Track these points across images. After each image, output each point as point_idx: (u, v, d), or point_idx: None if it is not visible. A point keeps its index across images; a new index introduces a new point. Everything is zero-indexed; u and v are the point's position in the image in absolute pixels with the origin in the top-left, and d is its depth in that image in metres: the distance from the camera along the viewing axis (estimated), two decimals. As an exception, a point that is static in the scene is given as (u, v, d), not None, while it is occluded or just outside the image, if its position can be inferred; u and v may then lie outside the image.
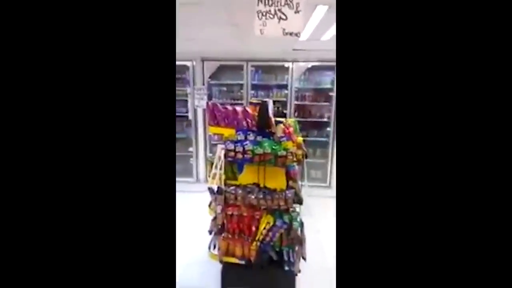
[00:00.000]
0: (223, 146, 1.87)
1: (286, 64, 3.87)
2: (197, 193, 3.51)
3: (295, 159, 1.81)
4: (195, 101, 4.00)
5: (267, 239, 1.95)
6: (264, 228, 1.93)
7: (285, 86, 3.95)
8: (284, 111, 3.98)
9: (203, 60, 3.91)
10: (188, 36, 2.68)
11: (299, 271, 2.04)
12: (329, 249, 2.73)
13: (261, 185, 1.98)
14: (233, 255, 2.06)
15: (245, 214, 1.95)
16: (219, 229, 2.01)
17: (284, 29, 1.35)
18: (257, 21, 1.34)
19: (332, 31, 2.62)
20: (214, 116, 1.95)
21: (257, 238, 1.96)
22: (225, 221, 1.99)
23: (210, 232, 2.09)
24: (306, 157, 1.91)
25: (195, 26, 2.48)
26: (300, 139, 1.90)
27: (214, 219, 2.02)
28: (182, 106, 4.10)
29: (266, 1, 1.33)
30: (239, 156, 1.84)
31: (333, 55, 3.81)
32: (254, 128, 1.91)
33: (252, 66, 3.90)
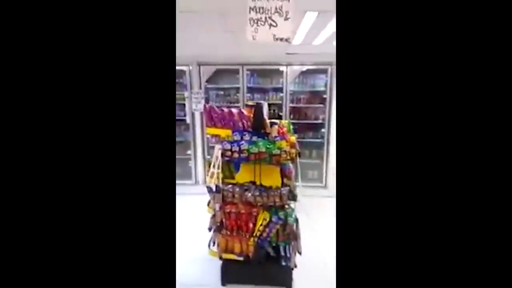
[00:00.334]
0: (220, 146, 1.96)
1: (280, 68, 3.98)
2: (196, 195, 3.58)
3: (288, 157, 1.90)
4: (193, 105, 4.09)
5: (264, 235, 2.03)
6: (261, 225, 2.01)
7: (280, 89, 4.06)
8: (280, 114, 4.08)
9: (199, 65, 4.02)
10: (185, 41, 2.78)
11: (296, 266, 2.12)
12: (325, 245, 2.81)
13: (257, 183, 2.07)
14: (232, 252, 2.13)
15: (242, 211, 2.03)
16: (218, 226, 2.09)
17: (274, 35, 1.46)
18: (249, 28, 1.45)
19: (323, 36, 2.73)
20: (211, 118, 2.05)
21: (254, 234, 2.04)
22: (223, 219, 2.07)
23: (210, 229, 2.17)
24: (300, 156, 2.00)
25: (192, 32, 2.58)
26: (293, 138, 1.99)
27: (213, 216, 2.10)
28: (180, 110, 4.19)
29: (258, 9, 1.43)
30: (236, 155, 1.93)
31: (325, 58, 3.93)
32: (250, 129, 2.01)
33: (248, 70, 4.01)
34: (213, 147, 4.18)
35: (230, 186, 2.05)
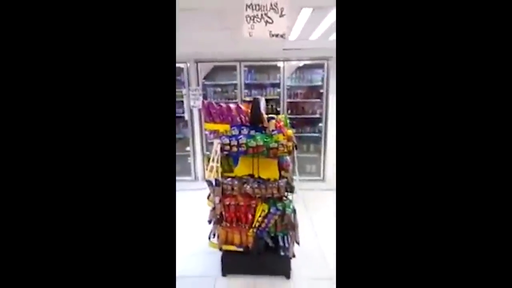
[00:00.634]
0: (219, 140, 2.01)
1: (277, 64, 4.02)
2: (195, 190, 3.65)
3: (286, 150, 1.96)
4: (191, 101, 4.13)
5: (263, 225, 2.10)
6: (260, 216, 2.08)
7: (277, 85, 4.11)
8: (278, 109, 4.13)
9: (197, 62, 4.05)
10: (182, 39, 2.81)
11: (294, 255, 2.19)
12: (322, 236, 2.89)
13: (256, 176, 2.13)
14: (232, 243, 2.20)
15: (241, 203, 2.10)
16: (218, 218, 2.15)
17: (270, 31, 1.50)
18: (245, 25, 1.49)
19: (319, 31, 2.77)
20: (210, 113, 2.10)
21: (253, 225, 2.11)
22: (223, 211, 2.13)
23: (210, 222, 2.23)
24: (296, 149, 2.05)
25: (190, 30, 2.62)
26: (290, 132, 2.04)
27: (213, 209, 2.16)
28: (178, 107, 4.24)
29: (254, 7, 1.48)
30: (234, 149, 1.98)
31: (322, 53, 3.96)
32: (248, 123, 2.06)
33: (245, 66, 4.05)
34: (211, 143, 4.23)
35: (229, 179, 2.11)
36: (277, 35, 1.53)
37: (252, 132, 2.02)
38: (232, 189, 2.08)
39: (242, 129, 2.03)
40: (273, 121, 2.08)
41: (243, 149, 1.97)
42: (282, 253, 2.20)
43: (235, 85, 4.13)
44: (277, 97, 4.13)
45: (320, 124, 4.23)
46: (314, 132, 4.29)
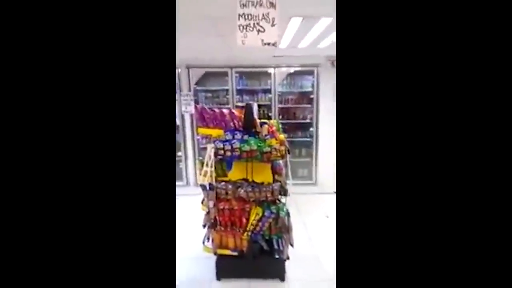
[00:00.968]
0: (213, 145, 2.05)
1: (268, 70, 4.10)
2: (187, 196, 3.63)
3: (279, 154, 2.01)
4: (182, 107, 4.14)
5: (257, 229, 2.13)
6: (254, 219, 2.11)
7: (268, 91, 4.18)
8: (269, 114, 4.19)
9: (188, 68, 4.08)
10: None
11: (288, 258, 2.23)
12: (315, 239, 2.94)
13: (250, 180, 2.16)
14: (226, 247, 2.22)
15: (235, 207, 2.12)
16: (212, 223, 2.17)
17: (262, 40, 1.56)
18: (239, 33, 1.54)
19: (308, 39, 2.87)
20: (203, 118, 2.13)
21: (248, 229, 2.13)
22: (217, 215, 2.15)
23: (204, 226, 2.24)
24: (289, 153, 2.11)
25: (181, 36, 2.65)
26: (282, 136, 2.10)
27: (207, 213, 2.18)
28: (171, 112, 4.23)
29: (246, 16, 1.54)
30: (228, 153, 2.02)
31: (311, 60, 4.06)
32: (241, 128, 2.10)
33: (236, 72, 4.11)
34: (203, 149, 4.23)
35: (223, 183, 2.13)
36: (269, 44, 1.59)
37: (246, 137, 2.06)
38: (226, 193, 2.11)
39: (236, 133, 2.07)
40: (266, 126, 2.14)
41: (237, 153, 2.01)
42: (276, 256, 2.22)
43: (227, 90, 4.18)
44: (269, 102, 4.19)
45: (311, 129, 4.31)
46: (306, 137, 4.37)
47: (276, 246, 2.27)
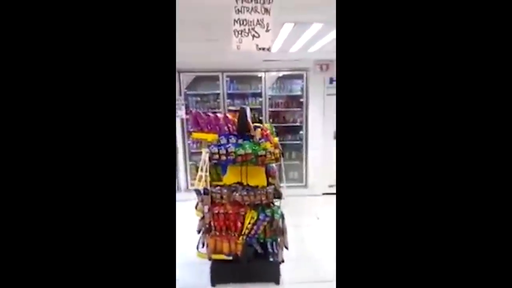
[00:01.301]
0: (207, 150, 2.04)
1: (259, 74, 4.14)
2: (179, 202, 3.57)
3: (273, 157, 2.03)
4: (173, 111, 4.11)
5: (252, 232, 2.13)
6: (249, 223, 2.11)
7: (259, 94, 4.21)
8: (260, 118, 4.21)
9: (179, 72, 4.06)
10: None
11: (283, 260, 2.24)
12: (308, 240, 2.96)
13: (244, 184, 2.17)
14: (221, 252, 2.20)
15: (230, 211, 2.12)
16: (207, 228, 2.15)
17: (257, 45, 1.59)
18: (234, 39, 1.57)
19: (299, 44, 2.93)
20: (197, 123, 2.12)
21: (243, 233, 2.13)
22: (212, 220, 2.14)
23: (199, 232, 2.22)
24: (283, 156, 2.13)
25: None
26: (276, 139, 2.13)
27: (202, 218, 2.16)
28: (160, 117, 4.17)
29: (241, 22, 1.56)
30: (223, 158, 2.02)
31: (301, 64, 4.13)
32: (235, 132, 2.11)
33: (227, 76, 4.12)
34: (195, 153, 4.19)
35: (218, 188, 2.13)
36: (263, 49, 1.62)
37: (240, 141, 2.07)
38: (221, 197, 2.10)
39: (230, 138, 2.08)
40: (259, 129, 2.16)
41: (231, 157, 2.01)
42: (271, 259, 2.23)
43: (217, 94, 4.18)
44: (259, 106, 4.22)
45: (301, 132, 4.37)
46: (296, 140, 4.42)
47: (270, 249, 2.27)
